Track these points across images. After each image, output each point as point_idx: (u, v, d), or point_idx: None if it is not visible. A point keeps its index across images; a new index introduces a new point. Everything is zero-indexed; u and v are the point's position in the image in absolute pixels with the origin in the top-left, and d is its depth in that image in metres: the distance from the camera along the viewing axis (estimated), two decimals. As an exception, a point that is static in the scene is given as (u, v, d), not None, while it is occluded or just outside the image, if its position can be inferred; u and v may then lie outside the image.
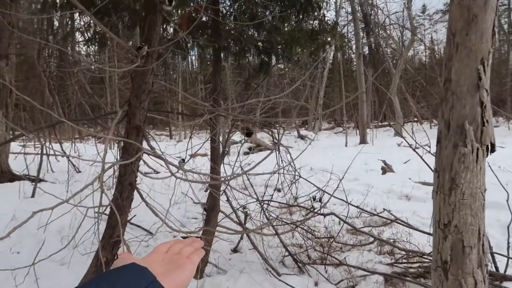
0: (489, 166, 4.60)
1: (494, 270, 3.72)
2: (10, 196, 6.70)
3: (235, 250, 4.76)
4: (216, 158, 4.35)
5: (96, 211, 2.73)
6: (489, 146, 1.20)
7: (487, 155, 1.21)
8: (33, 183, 7.07)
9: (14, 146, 9.91)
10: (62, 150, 9.31)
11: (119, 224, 2.67)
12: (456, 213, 1.18)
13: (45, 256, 2.75)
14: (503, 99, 26.75)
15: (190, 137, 4.41)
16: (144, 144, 3.21)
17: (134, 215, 4.32)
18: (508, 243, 3.87)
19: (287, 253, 4.21)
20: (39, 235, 4.77)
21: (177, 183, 4.77)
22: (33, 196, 6.82)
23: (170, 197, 4.49)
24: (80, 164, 9.30)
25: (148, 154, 2.80)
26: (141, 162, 3.30)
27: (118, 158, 4.74)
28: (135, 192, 3.20)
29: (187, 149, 4.24)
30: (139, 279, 0.56)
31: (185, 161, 4.44)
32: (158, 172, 9.00)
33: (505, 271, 3.65)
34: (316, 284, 3.77)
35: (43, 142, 8.45)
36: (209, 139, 4.36)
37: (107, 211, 3.13)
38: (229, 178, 3.25)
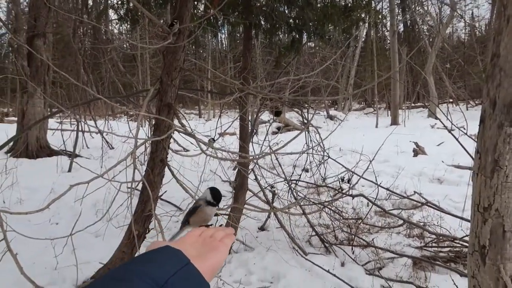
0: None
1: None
2: (49, 170, 7.02)
3: (262, 228, 4.82)
4: (245, 137, 4.36)
5: (129, 187, 2.81)
6: (537, 127, 1.13)
7: (534, 136, 1.14)
8: (70, 158, 7.36)
9: (52, 122, 10.30)
10: (96, 127, 9.60)
11: (151, 199, 2.74)
12: (498, 196, 1.13)
13: (81, 228, 2.87)
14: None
15: (220, 116, 4.43)
16: (175, 122, 3.25)
17: (165, 191, 4.42)
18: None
19: (314, 233, 4.22)
20: (76, 207, 4.99)
21: (206, 161, 4.84)
22: (69, 170, 7.11)
23: (200, 174, 4.56)
24: (113, 141, 9.59)
25: (179, 132, 2.83)
26: (172, 140, 3.36)
27: (150, 135, 4.84)
28: (166, 169, 3.27)
29: (216, 127, 4.27)
30: (174, 261, 0.56)
31: (217, 139, 4.48)
32: (187, 150, 9.17)
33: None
34: (342, 264, 3.77)
35: (79, 119, 8.74)
36: (238, 117, 4.36)
37: (139, 186, 3.22)
38: (258, 156, 3.25)
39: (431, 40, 21.61)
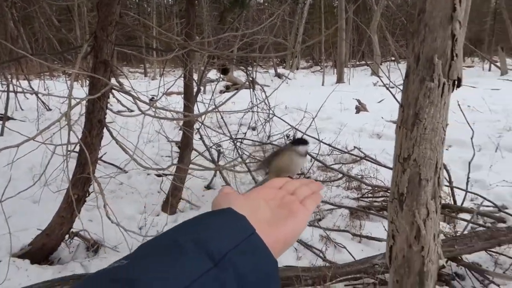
0: (459, 105, 4.72)
1: (452, 202, 3.96)
2: (-23, 134, 6.49)
3: (208, 187, 4.86)
4: (190, 96, 4.26)
5: (67, 149, 2.68)
6: (456, 81, 1.20)
7: (453, 90, 1.21)
8: (1, 121, 6.84)
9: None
10: (30, 87, 8.89)
11: (89, 162, 2.64)
12: (417, 147, 1.21)
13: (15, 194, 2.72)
14: (481, 39, 26.79)
15: (162, 74, 4.26)
16: (113, 80, 3.08)
17: (105, 153, 4.28)
18: (468, 178, 4.09)
19: (259, 189, 4.33)
20: (9, 173, 4.70)
21: (149, 121, 4.70)
22: (1, 134, 6.63)
23: (142, 135, 4.45)
24: (50, 102, 8.98)
25: (116, 90, 2.70)
26: (114, 100, 3.20)
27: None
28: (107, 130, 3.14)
29: (159, 87, 4.12)
30: (235, 231, 0.45)
31: (158, 98, 4.33)
32: (132, 111, 8.84)
33: (462, 203, 3.90)
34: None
35: (10, 79, 8.04)
36: (182, 76, 4.23)
37: (77, 149, 3.08)
38: (199, 114, 3.21)
39: (376, -2, 21.92)
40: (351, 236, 3.57)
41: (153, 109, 3.20)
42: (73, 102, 2.55)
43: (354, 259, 2.98)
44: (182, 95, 4.29)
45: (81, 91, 5.81)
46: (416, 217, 1.23)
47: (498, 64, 18.32)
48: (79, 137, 2.93)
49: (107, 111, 3.15)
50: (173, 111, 3.40)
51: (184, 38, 3.33)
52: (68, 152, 2.68)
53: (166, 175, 4.70)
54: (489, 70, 20.00)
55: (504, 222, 3.55)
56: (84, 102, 3.07)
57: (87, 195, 3.25)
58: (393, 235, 1.30)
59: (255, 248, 0.44)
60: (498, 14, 23.33)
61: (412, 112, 1.21)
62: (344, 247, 3.29)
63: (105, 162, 5.21)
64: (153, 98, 4.95)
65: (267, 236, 0.46)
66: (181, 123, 3.96)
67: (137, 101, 2.53)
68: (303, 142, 0.84)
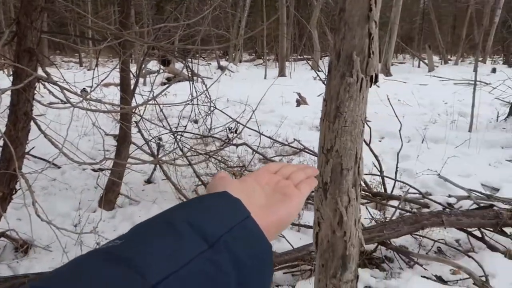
0: (389, 99, 5.04)
1: (383, 191, 4.23)
2: None
3: (148, 181, 4.76)
4: (127, 88, 4.12)
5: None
6: (373, 77, 1.29)
7: (371, 85, 1.30)
8: None
9: None
10: None
11: (14, 157, 2.47)
12: (338, 139, 1.28)
13: None
14: (411, 37, 28.60)
15: (96, 65, 4.06)
16: (39, 71, 2.90)
17: (33, 147, 4.02)
18: (397, 168, 4.39)
19: (200, 183, 4.32)
20: None
21: (84, 114, 4.48)
22: None
23: (77, 128, 4.22)
24: (-30, 92, 8.23)
25: (42, 81, 2.54)
26: (46, 92, 3.01)
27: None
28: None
29: (93, 78, 3.93)
30: (230, 214, 0.45)
31: (92, 89, 4.13)
32: (65, 102, 8.35)
33: (392, 191, 4.18)
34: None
35: None
36: (118, 67, 4.07)
37: (1, 143, 2.87)
38: (135, 106, 3.12)
39: (316, -6, 22.51)
40: (290, 226, 3.68)
41: (86, 101, 3.06)
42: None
43: (293, 247, 3.08)
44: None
45: (6, 81, 5.39)
46: (339, 204, 1.31)
47: (426, 61, 19.67)
48: (3, 130, 2.74)
49: (36, 103, 2.96)
50: (108, 103, 3.27)
51: (118, 28, 3.21)
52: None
53: (102, 169, 4.52)
54: (419, 66, 21.43)
55: (428, 207, 3.86)
56: (8, 93, 2.86)
57: (13, 192, 3.04)
58: (319, 222, 1.38)
59: (249, 231, 0.44)
60: (426, 14, 25.03)
61: (334, 106, 1.28)
62: (283, 237, 3.39)
63: (34, 157, 4.90)
64: (85, 89, 4.69)
65: (262, 220, 0.46)
66: (118, 116, 3.83)
67: (67, 93, 2.40)
68: None
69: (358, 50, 1.24)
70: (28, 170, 3.49)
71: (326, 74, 4.26)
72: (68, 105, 2.43)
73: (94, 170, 4.80)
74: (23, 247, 3.28)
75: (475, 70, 7.40)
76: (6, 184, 2.92)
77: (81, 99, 2.79)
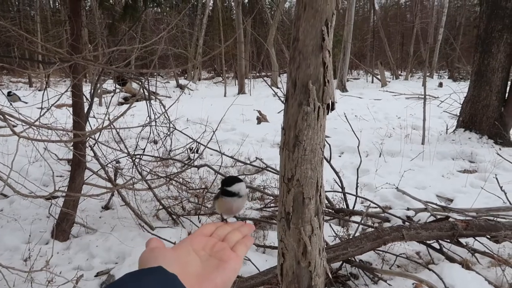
0: (345, 115, 5.17)
1: (345, 207, 4.29)
2: None
3: (106, 207, 4.55)
4: (79, 111, 3.94)
5: None
6: (330, 105, 1.29)
7: (328, 113, 1.30)
8: None
9: None
10: None
11: (-48, 191, 2.27)
12: (299, 168, 1.27)
13: None
14: (364, 54, 29.84)
15: (46, 88, 3.88)
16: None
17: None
18: (357, 183, 4.47)
19: (161, 207, 4.18)
20: None
21: (35, 138, 4.23)
22: None
23: (27, 153, 3.97)
24: None
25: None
26: None
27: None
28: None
29: (42, 101, 3.74)
30: None
31: (42, 114, 3.92)
32: (15, 126, 7.90)
33: (354, 207, 4.24)
34: (189, 234, 3.85)
35: None
36: (70, 90, 3.90)
37: None
38: (90, 133, 2.99)
39: (272, 13, 23.04)
40: (255, 248, 3.62)
41: (36, 128, 2.89)
42: None
43: (259, 270, 3.02)
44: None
45: None
46: (302, 234, 1.29)
47: (379, 76, 20.53)
48: None
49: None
50: (60, 129, 3.11)
51: (68, 50, 3.08)
52: None
53: (55, 197, 4.27)
54: (372, 82, 22.34)
55: (389, 221, 3.95)
56: None
57: None
58: (283, 253, 1.35)
59: None
60: (376, 33, 26.26)
61: (293, 134, 1.27)
62: (249, 259, 3.32)
63: (-21, 187, 4.55)
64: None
65: None
66: (70, 144, 3.65)
67: (13, 120, 2.25)
68: (231, 182, 0.86)
69: (313, 79, 1.24)
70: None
71: (284, 93, 4.31)
72: (12, 133, 2.27)
73: (46, 199, 4.53)
74: (-35, 289, 3.00)
75: (423, 84, 7.78)
76: None
77: (28, 125, 2.63)
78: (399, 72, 26.65)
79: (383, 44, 23.37)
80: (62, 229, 3.84)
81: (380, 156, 6.51)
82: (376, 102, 12.82)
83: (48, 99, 3.68)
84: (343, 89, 16.82)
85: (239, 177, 0.89)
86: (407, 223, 3.63)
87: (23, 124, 2.59)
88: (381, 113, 10.55)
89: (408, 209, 4.15)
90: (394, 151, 6.84)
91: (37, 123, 2.82)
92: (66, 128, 4.27)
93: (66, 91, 3.50)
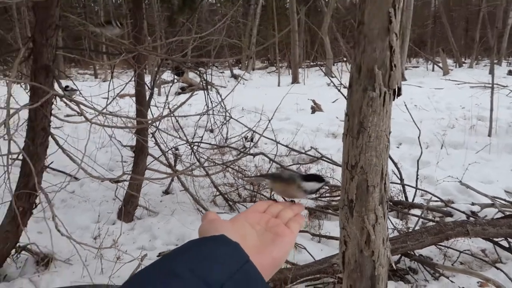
0: (405, 105, 4.96)
1: (404, 199, 4.14)
2: None
3: (166, 192, 4.77)
4: (142, 100, 4.14)
5: (11, 158, 2.51)
6: (396, 90, 1.25)
7: (394, 98, 1.26)
8: None
9: None
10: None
11: (33, 172, 2.49)
12: (363, 155, 1.24)
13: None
14: (424, 41, 28.25)
15: (111, 78, 4.11)
16: (56, 86, 2.93)
17: (52, 162, 4.07)
18: (417, 175, 4.29)
19: (218, 193, 4.30)
20: None
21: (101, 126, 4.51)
22: None
23: (94, 139, 4.24)
24: (-9, 107, 8.41)
25: (60, 97, 2.57)
26: (63, 104, 3.04)
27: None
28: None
29: (108, 90, 3.97)
30: (231, 259, 0.45)
31: (108, 102, 4.16)
32: (81, 115, 8.47)
33: (413, 200, 4.08)
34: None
35: None
36: (134, 80, 4.10)
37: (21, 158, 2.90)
38: (152, 120, 3.13)
39: (327, 0, 22.48)
40: (310, 236, 3.62)
41: (103, 116, 3.08)
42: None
43: (314, 259, 3.02)
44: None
45: (24, 95, 5.49)
46: (366, 222, 1.26)
47: (440, 64, 19.38)
48: (22, 146, 2.77)
49: (53, 117, 3.00)
50: (124, 117, 3.29)
51: (132, 42, 3.24)
52: (11, 163, 2.52)
53: (120, 181, 4.55)
54: (433, 70, 21.12)
55: (451, 216, 3.76)
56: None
57: (33, 207, 3.07)
58: (345, 241, 1.33)
59: (249, 276, 0.45)
60: (438, 18, 24.72)
61: (357, 121, 1.25)
62: (304, 248, 3.33)
63: (53, 169, 4.95)
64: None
65: (257, 262, 0.47)
66: (133, 130, 3.84)
67: (83, 108, 2.42)
68: (316, 179, 0.87)
69: (379, 63, 1.20)
70: (47, 184, 3.53)
71: (340, 81, 4.21)
72: (84, 120, 2.44)
73: (114, 181, 4.83)
74: (44, 261, 3.30)
75: (491, 72, 7.22)
76: (26, 199, 2.96)
77: (95, 113, 2.81)
78: (463, 60, 24.94)
79: (445, 30, 21.94)
80: (127, 211, 4.08)
81: (442, 148, 6.18)
82: (437, 91, 12.13)
83: (113, 89, 3.90)
84: (402, 77, 16.10)
85: (322, 177, 0.88)
86: (471, 218, 3.44)
87: (92, 112, 2.78)
88: (442, 103, 9.97)
89: (473, 204, 3.92)
90: (457, 143, 6.46)
91: (104, 111, 3.01)
92: (129, 116, 4.49)
93: (130, 80, 3.69)
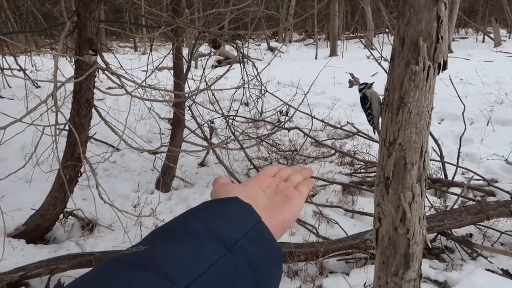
0: (450, 79, 4.72)
1: (443, 177, 4.01)
2: (-35, 114, 6.39)
3: (201, 164, 4.87)
4: (179, 73, 4.19)
5: (59, 128, 2.65)
6: (441, 64, 1.18)
7: (439, 72, 1.20)
8: (-11, 100, 6.72)
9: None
10: (17, 63, 8.69)
11: (78, 142, 2.61)
12: (402, 131, 1.20)
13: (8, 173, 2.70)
14: (475, 10, 26.45)
15: (150, 51, 4.17)
16: (99, 59, 3.02)
17: (95, 133, 4.25)
18: (459, 152, 4.13)
19: (252, 166, 4.34)
20: (0, 153, 4.68)
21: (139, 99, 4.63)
22: (-11, 113, 6.52)
23: (134, 112, 4.37)
24: (39, 78, 8.82)
25: (102, 70, 2.65)
26: (104, 77, 3.14)
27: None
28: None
29: (148, 63, 4.04)
30: (244, 219, 0.47)
31: (147, 75, 4.25)
32: (121, 87, 8.70)
33: (453, 178, 3.94)
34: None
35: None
36: (171, 53, 4.14)
37: (67, 129, 3.05)
38: (189, 94, 3.17)
39: (370, -33, 21.35)
40: (343, 212, 3.61)
41: (142, 89, 3.15)
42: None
43: (347, 234, 3.02)
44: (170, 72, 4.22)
45: (69, 67, 5.70)
46: (402, 200, 1.24)
47: (492, 35, 18.15)
48: (68, 117, 2.91)
49: (95, 90, 3.11)
50: (163, 90, 3.35)
51: (170, 15, 3.25)
52: (58, 133, 2.65)
53: (159, 152, 4.69)
54: (483, 41, 19.83)
55: (494, 195, 3.61)
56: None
57: (79, 175, 3.25)
58: (379, 218, 1.32)
59: (261, 235, 0.47)
60: (493, -17, 22.93)
61: (397, 96, 1.20)
62: (337, 223, 3.33)
63: (97, 140, 5.18)
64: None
65: (268, 222, 0.49)
66: (171, 103, 3.91)
67: (124, 81, 2.48)
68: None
69: (425, 35, 1.14)
70: (91, 154, 3.70)
71: (381, 53, 4.04)
72: (125, 93, 2.51)
73: (153, 153, 4.99)
74: (88, 226, 3.51)
75: (550, 44, 6.67)
76: (72, 168, 3.12)
77: (136, 86, 2.88)
78: (518, 30, 23.19)
79: (500, -3, 20.40)
80: (165, 181, 4.22)
81: (487, 125, 5.88)
82: (486, 64, 11.43)
83: (152, 62, 3.96)
84: (448, 50, 15.24)
85: None
86: (516, 199, 3.29)
87: (131, 85, 2.85)
88: (491, 77, 9.39)
89: (518, 184, 3.74)
90: (505, 120, 6.11)
91: (143, 84, 3.07)
92: (167, 89, 4.57)
93: (168, 54, 3.73)
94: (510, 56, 12.93)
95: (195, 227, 0.43)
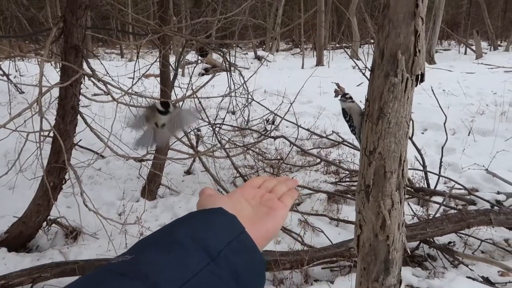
0: (432, 90, 4.83)
1: (426, 186, 4.09)
2: None
3: (188, 172, 4.86)
4: (166, 81, 4.20)
5: (43, 135, 2.62)
6: (419, 76, 1.23)
7: (417, 84, 1.25)
8: (-30, 105, 6.59)
9: None
10: (0, 68, 8.56)
11: (63, 149, 2.60)
12: (381, 140, 1.24)
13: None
14: (457, 22, 27.16)
15: (137, 58, 4.18)
16: (84, 66, 3.02)
17: (80, 140, 4.21)
18: (441, 162, 4.22)
19: (238, 174, 4.36)
20: (-19, 160, 4.59)
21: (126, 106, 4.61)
22: (-29, 119, 6.40)
23: (120, 118, 4.34)
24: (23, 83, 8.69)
25: (88, 77, 2.64)
26: (90, 83, 3.13)
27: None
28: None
29: (134, 71, 4.04)
30: (228, 229, 0.49)
31: (134, 83, 4.24)
32: (108, 94, 8.64)
33: (435, 187, 4.02)
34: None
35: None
36: (158, 60, 4.15)
37: (52, 136, 3.02)
38: (176, 101, 3.19)
39: (356, -21, 21.77)
40: (328, 220, 3.65)
41: (128, 96, 3.15)
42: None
43: (331, 242, 3.05)
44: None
45: (54, 73, 5.65)
46: (382, 207, 1.27)
47: (474, 47, 18.63)
48: (53, 123, 2.88)
49: (81, 96, 3.09)
50: (149, 97, 3.35)
51: (158, 22, 3.27)
52: (42, 139, 2.63)
53: (144, 160, 4.67)
54: (465, 53, 20.34)
55: (475, 204, 3.70)
56: (57, 88, 2.99)
57: (63, 182, 3.21)
58: (360, 225, 1.35)
59: (245, 245, 0.49)
60: (474, -2, 23.60)
61: (377, 106, 1.24)
62: (322, 231, 3.36)
63: (81, 147, 5.13)
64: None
65: (252, 233, 0.50)
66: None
67: (110, 88, 2.48)
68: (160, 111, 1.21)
69: (403, 49, 1.19)
70: (76, 161, 3.67)
71: (365, 64, 4.13)
72: (111, 99, 2.51)
73: (138, 160, 4.97)
74: (72, 234, 3.47)
75: (528, 57, 6.89)
76: (56, 175, 3.09)
77: (122, 93, 2.88)
78: (498, 43, 23.87)
79: (482, 11, 21.00)
80: (150, 189, 4.20)
81: (469, 135, 6.03)
82: (468, 76, 11.71)
83: (139, 69, 3.97)
84: (431, 61, 15.57)
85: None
86: (496, 207, 3.37)
87: (118, 92, 2.85)
88: (473, 88, 9.63)
89: (498, 193, 3.84)
90: (486, 130, 6.27)
91: (130, 91, 3.08)
92: (154, 96, 4.57)
93: (155, 61, 3.74)
94: (491, 68, 13.28)
95: (180, 237, 0.45)
